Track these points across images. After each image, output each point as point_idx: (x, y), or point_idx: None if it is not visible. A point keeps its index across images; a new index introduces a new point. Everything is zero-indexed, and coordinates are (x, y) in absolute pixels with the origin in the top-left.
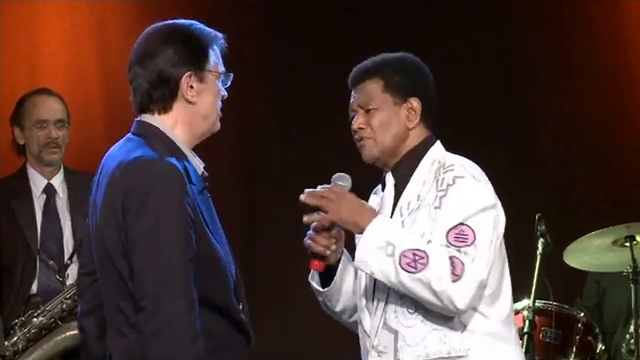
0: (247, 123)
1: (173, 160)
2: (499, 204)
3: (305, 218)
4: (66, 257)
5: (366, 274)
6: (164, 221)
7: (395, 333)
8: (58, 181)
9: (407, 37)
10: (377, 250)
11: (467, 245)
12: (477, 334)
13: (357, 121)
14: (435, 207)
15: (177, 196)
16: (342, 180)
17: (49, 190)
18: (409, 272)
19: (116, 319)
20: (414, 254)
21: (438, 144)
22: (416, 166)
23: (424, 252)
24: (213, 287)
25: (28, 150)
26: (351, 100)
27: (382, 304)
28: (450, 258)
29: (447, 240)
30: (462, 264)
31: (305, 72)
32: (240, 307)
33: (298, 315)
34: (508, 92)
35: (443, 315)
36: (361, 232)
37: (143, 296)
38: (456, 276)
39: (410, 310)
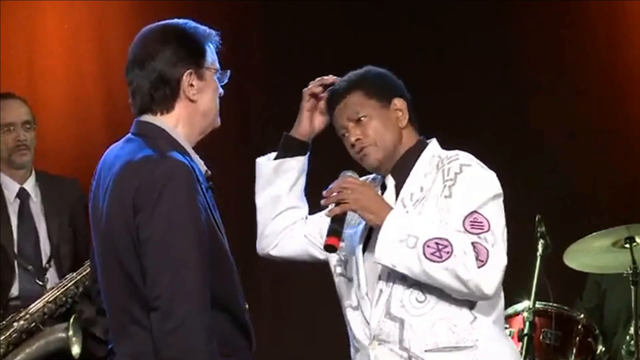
0: (246, 122)
1: (182, 158)
2: None
3: (326, 212)
4: (44, 260)
5: (353, 265)
6: (177, 219)
7: (401, 322)
8: (31, 185)
9: (406, 34)
10: (398, 243)
11: (485, 232)
12: (485, 324)
13: (353, 134)
14: (446, 197)
15: (190, 194)
16: (352, 173)
17: (23, 195)
18: (434, 262)
19: (123, 320)
20: (437, 243)
21: (434, 141)
22: (415, 162)
23: (446, 240)
24: (222, 288)
25: None
26: (336, 120)
27: (386, 294)
28: (473, 244)
29: (464, 228)
30: (486, 249)
31: (305, 72)
32: (247, 307)
33: (295, 321)
34: (507, 93)
35: (453, 304)
36: (379, 223)
37: (156, 297)
38: (481, 262)
39: (420, 299)
